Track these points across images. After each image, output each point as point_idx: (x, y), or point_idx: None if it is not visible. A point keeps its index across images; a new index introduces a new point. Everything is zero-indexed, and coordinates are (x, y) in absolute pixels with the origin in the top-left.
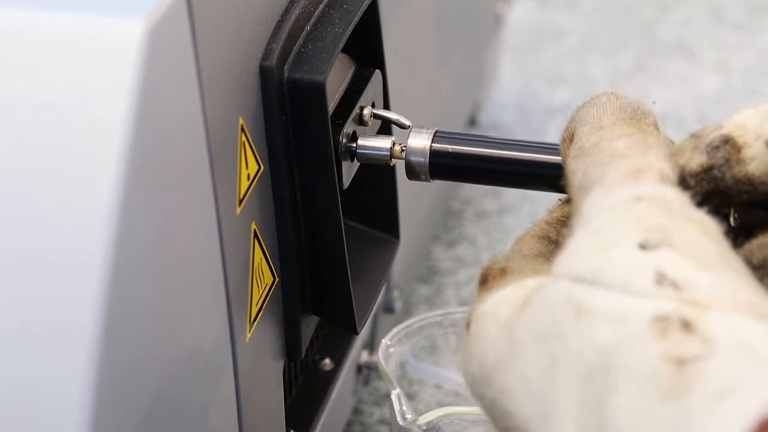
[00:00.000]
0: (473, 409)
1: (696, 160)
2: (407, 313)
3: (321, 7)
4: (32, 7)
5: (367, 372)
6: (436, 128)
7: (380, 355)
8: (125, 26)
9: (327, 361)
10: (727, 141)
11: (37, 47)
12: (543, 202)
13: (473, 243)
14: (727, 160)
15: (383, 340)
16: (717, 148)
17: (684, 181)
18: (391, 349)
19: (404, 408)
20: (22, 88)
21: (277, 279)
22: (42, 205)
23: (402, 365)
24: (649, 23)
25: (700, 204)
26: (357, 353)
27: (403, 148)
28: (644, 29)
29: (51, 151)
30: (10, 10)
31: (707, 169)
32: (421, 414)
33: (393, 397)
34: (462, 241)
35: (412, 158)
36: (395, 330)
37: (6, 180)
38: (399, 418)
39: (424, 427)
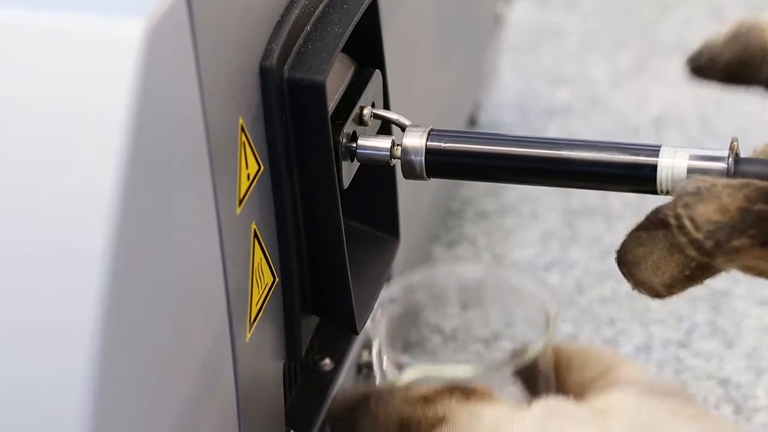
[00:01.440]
0: (454, 368)
1: (723, 35)
2: None
3: (321, 7)
4: (32, 6)
5: (367, 372)
6: (430, 127)
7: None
8: (125, 26)
9: (327, 361)
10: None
11: (37, 47)
12: (543, 201)
13: (473, 243)
14: (751, 27)
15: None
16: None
17: (710, 58)
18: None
19: (384, 367)
20: (22, 88)
21: (277, 279)
22: (43, 206)
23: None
24: (649, 23)
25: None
26: (357, 353)
27: (398, 145)
28: (644, 29)
29: (51, 151)
30: (11, 10)
31: (734, 37)
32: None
33: (374, 353)
34: (462, 241)
35: (408, 157)
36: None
37: (7, 180)
38: (378, 377)
39: None
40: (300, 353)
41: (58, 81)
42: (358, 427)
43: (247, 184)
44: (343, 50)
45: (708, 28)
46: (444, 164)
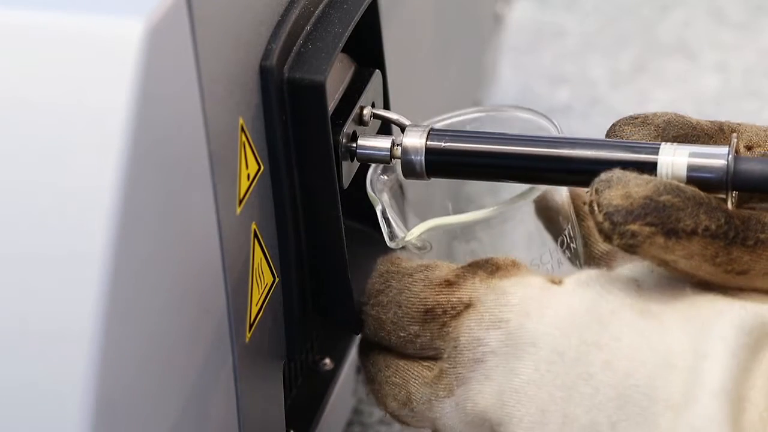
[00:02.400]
0: (463, 217)
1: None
2: None
3: (321, 7)
4: (32, 6)
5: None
6: (430, 126)
7: (368, 179)
8: (125, 26)
9: (327, 361)
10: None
11: (37, 47)
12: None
13: (480, 244)
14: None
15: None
16: None
17: None
18: (382, 176)
19: (394, 226)
20: (22, 88)
21: (277, 279)
22: (43, 206)
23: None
24: (649, 23)
25: None
26: (357, 353)
27: (398, 145)
28: (644, 29)
29: (51, 151)
30: (11, 10)
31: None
32: (409, 230)
33: (378, 216)
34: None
35: (408, 157)
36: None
37: (6, 180)
38: (387, 240)
39: (419, 245)
40: (299, 353)
41: (58, 81)
42: (384, 315)
43: (247, 184)
44: (343, 50)
45: (708, 28)
46: (444, 164)
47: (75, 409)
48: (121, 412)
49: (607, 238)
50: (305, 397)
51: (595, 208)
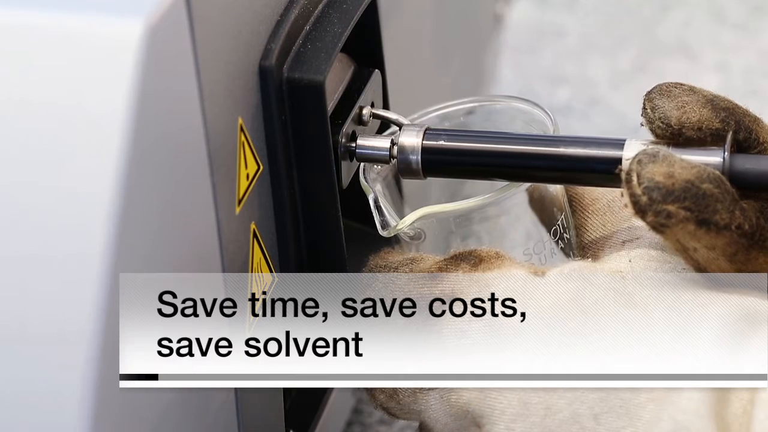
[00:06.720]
0: (455, 206)
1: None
2: None
3: (320, 7)
4: (32, 6)
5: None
6: (426, 125)
7: (360, 168)
8: (125, 26)
9: None
10: None
11: (37, 47)
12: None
13: (478, 241)
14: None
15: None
16: None
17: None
18: (376, 166)
19: (386, 215)
20: (22, 88)
21: (276, 279)
22: (42, 206)
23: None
24: (649, 23)
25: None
26: None
27: (395, 144)
28: (644, 29)
29: (50, 151)
30: (11, 10)
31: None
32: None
33: (371, 205)
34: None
35: (404, 156)
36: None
37: (6, 180)
38: (379, 229)
39: (411, 233)
40: None
41: (57, 81)
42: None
43: (247, 183)
44: (343, 50)
45: (708, 28)
46: (441, 162)
47: (75, 411)
48: (120, 416)
49: (641, 212)
50: (305, 397)
51: (634, 178)
